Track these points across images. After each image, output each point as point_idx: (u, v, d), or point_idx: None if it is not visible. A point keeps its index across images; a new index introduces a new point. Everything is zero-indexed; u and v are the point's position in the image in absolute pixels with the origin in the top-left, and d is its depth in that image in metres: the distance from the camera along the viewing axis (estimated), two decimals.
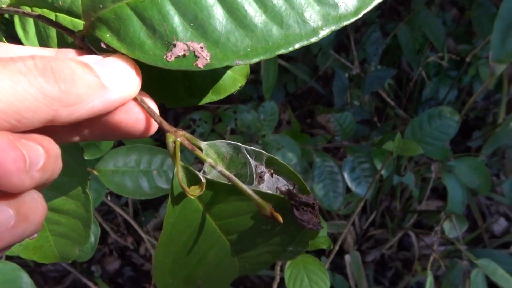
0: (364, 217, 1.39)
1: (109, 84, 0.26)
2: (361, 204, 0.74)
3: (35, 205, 0.25)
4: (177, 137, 0.28)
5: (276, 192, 0.29)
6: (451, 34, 1.44)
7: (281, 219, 0.27)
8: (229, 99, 1.52)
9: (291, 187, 0.28)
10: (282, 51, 0.26)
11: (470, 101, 1.21)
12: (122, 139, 0.30)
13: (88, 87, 0.25)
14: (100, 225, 1.44)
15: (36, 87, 0.23)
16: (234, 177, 0.28)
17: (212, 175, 0.29)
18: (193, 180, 0.29)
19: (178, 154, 0.28)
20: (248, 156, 0.29)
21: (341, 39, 1.42)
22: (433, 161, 1.06)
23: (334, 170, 0.91)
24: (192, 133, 0.81)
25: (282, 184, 0.29)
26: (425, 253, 1.31)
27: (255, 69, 1.51)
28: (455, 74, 1.42)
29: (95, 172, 0.64)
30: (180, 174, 0.28)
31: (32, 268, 1.50)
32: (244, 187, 0.28)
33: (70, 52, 0.29)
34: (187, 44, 0.26)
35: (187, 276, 0.34)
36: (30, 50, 0.29)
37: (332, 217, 1.28)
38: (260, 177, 0.29)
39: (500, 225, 1.43)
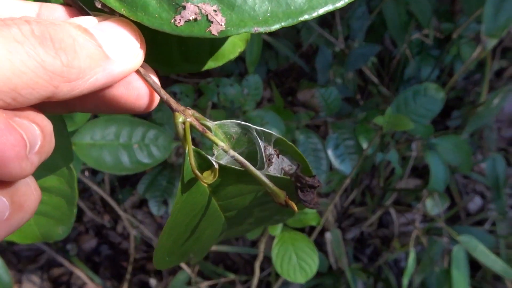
0: (344, 195, 1.40)
1: (111, 55, 0.23)
2: (347, 181, 0.73)
3: (30, 191, 0.22)
4: (186, 117, 0.26)
5: (281, 173, 0.28)
6: (434, 12, 1.43)
7: (296, 208, 0.26)
8: (209, 73, 1.48)
9: (295, 167, 0.28)
10: (305, 17, 0.23)
11: (452, 79, 1.21)
12: (118, 113, 0.27)
13: (91, 59, 0.22)
14: None
15: (36, 60, 0.20)
16: (248, 164, 0.26)
17: (222, 158, 0.28)
18: (204, 164, 0.27)
19: (189, 136, 0.26)
20: (257, 137, 0.28)
21: (325, 14, 1.39)
22: (414, 139, 1.06)
23: (318, 147, 0.90)
24: None
25: (287, 164, 0.28)
26: (403, 230, 1.33)
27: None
28: (437, 53, 1.42)
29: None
30: (193, 162, 0.26)
31: (5, 247, 1.46)
32: (258, 173, 0.26)
33: (57, 9, 0.25)
34: (198, 6, 0.23)
35: (183, 252, 0.33)
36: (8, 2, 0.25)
37: None
38: (269, 160, 0.28)
39: (475, 203, 1.46)
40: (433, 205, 0.87)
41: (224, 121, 0.28)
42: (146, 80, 0.25)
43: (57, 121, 0.37)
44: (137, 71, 0.25)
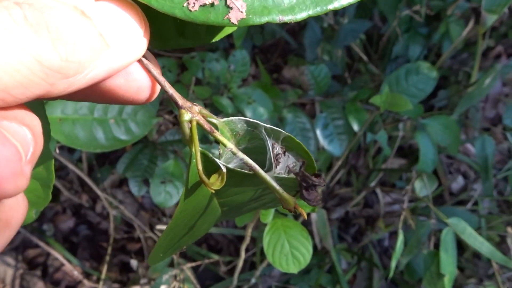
0: (330, 174, 1.38)
1: (112, 44, 0.19)
2: (338, 163, 0.71)
3: (17, 204, 0.19)
4: (193, 116, 0.24)
5: (286, 170, 0.27)
6: None
7: (305, 215, 0.25)
8: (192, 48, 1.41)
9: (299, 164, 0.27)
10: (335, 5, 0.20)
11: (442, 58, 1.19)
12: (113, 104, 0.24)
13: (91, 50, 0.18)
14: None
15: (32, 54, 0.16)
16: (257, 167, 0.25)
17: (230, 160, 0.26)
18: (209, 167, 0.25)
19: (196, 137, 0.24)
20: (266, 136, 0.26)
21: None
22: (402, 119, 1.04)
23: (306, 127, 0.86)
24: None
25: (292, 161, 0.27)
26: (387, 210, 1.33)
27: None
28: (426, 32, 1.39)
29: None
30: (201, 166, 0.24)
31: None
32: (269, 178, 0.25)
33: None
34: None
35: (178, 247, 0.32)
36: None
37: None
38: (277, 160, 0.27)
39: (458, 183, 1.47)
40: (422, 187, 0.86)
41: (232, 118, 0.26)
42: (149, 71, 0.23)
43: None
44: (139, 61, 0.22)
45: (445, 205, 1.25)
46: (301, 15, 0.20)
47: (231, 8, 0.20)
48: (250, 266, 1.23)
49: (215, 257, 1.09)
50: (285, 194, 0.25)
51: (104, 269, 1.26)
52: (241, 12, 0.20)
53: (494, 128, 1.57)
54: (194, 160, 0.24)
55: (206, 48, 1.30)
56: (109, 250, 1.28)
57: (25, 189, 0.18)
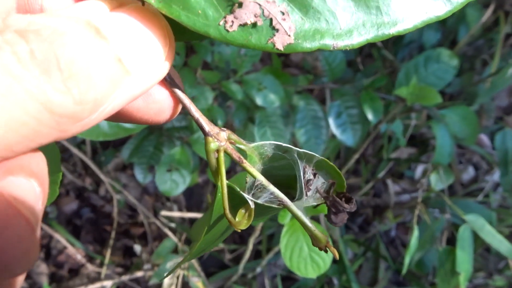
0: (337, 162, 1.35)
1: (132, 68, 0.16)
2: (356, 156, 0.67)
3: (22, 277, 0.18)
4: (221, 144, 0.21)
5: (315, 193, 0.25)
6: None
7: (337, 255, 0.23)
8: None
9: (329, 184, 0.25)
10: (399, 29, 0.17)
11: (459, 44, 1.14)
12: (128, 123, 0.21)
13: (110, 82, 0.15)
14: None
15: (40, 102, 0.13)
16: (289, 203, 0.23)
17: (260, 195, 0.24)
18: (236, 200, 0.23)
19: (223, 170, 0.21)
20: (298, 159, 0.24)
21: None
22: (416, 109, 1.00)
23: (318, 115, 0.83)
24: None
25: (321, 181, 0.25)
26: (396, 200, 1.30)
27: None
28: None
29: None
30: (227, 204, 0.22)
31: None
32: (299, 213, 0.23)
33: None
34: (260, 5, 0.16)
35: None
36: None
37: None
38: (308, 187, 0.25)
39: (468, 173, 1.43)
40: (437, 180, 0.83)
41: (263, 142, 0.24)
42: (172, 92, 0.20)
43: None
44: (162, 80, 0.19)
45: (456, 196, 1.22)
46: (358, 40, 0.17)
47: (277, 30, 0.17)
48: (256, 254, 1.22)
49: (220, 244, 1.07)
50: (317, 232, 0.23)
51: (108, 253, 1.25)
52: (289, 35, 0.17)
53: (507, 117, 1.53)
54: (219, 194, 0.21)
55: None
56: (113, 234, 1.26)
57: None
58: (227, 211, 0.21)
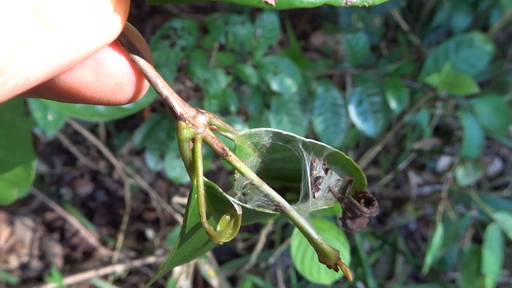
0: (357, 151, 1.30)
1: (54, 21, 0.12)
2: (377, 148, 0.63)
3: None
4: (196, 129, 0.17)
5: (327, 192, 0.20)
6: None
7: (350, 277, 0.19)
8: (214, 10, 1.32)
9: (344, 183, 0.20)
10: None
11: (492, 29, 1.06)
12: (80, 103, 0.16)
13: (19, 40, 0.11)
14: (67, 149, 1.31)
15: None
16: (288, 207, 0.18)
17: (251, 197, 0.19)
18: (218, 203, 0.18)
19: (199, 165, 0.17)
20: (303, 151, 0.19)
21: None
22: (442, 98, 0.94)
23: (338, 102, 0.78)
24: (172, 45, 0.65)
25: (335, 179, 0.20)
26: (416, 193, 1.25)
27: None
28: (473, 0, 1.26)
29: None
30: (203, 209, 0.17)
31: None
32: (303, 222, 0.18)
33: None
34: None
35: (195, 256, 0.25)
36: None
37: None
38: (316, 186, 0.20)
39: (495, 167, 1.37)
40: (464, 174, 0.78)
41: (256, 129, 0.19)
42: (131, 60, 0.15)
43: None
44: (116, 44, 0.15)
45: (482, 190, 1.16)
46: None
47: None
48: (269, 244, 1.19)
49: None
50: (325, 246, 0.18)
51: (120, 237, 1.24)
52: None
53: None
54: (195, 196, 0.17)
55: (232, 10, 1.21)
56: (125, 218, 1.25)
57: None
58: (204, 219, 0.17)
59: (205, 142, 0.17)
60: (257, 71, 0.72)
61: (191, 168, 0.17)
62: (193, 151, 0.17)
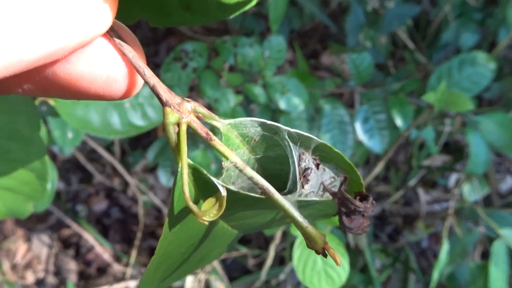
0: (366, 168, 1.31)
1: (49, 10, 0.12)
2: (382, 164, 0.65)
3: None
4: (182, 115, 0.18)
5: (320, 188, 0.20)
6: None
7: (339, 261, 0.18)
8: (226, 32, 1.37)
9: (339, 181, 0.21)
10: None
11: (498, 47, 1.08)
12: (84, 99, 0.18)
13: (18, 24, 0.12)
14: (83, 166, 1.35)
15: None
16: (273, 190, 0.19)
17: (235, 178, 0.20)
18: (205, 187, 0.19)
19: (184, 147, 0.18)
20: (290, 142, 0.20)
21: None
22: (450, 115, 0.96)
23: (344, 119, 0.80)
24: (184, 67, 0.68)
25: (328, 176, 0.21)
26: (428, 210, 1.25)
27: (259, 0, 1.35)
28: (480, 17, 1.27)
29: (51, 102, 0.50)
30: (187, 187, 0.18)
31: None
32: (287, 205, 0.19)
33: None
34: None
35: (183, 272, 0.26)
36: None
37: None
38: (305, 176, 0.20)
39: (507, 183, 1.36)
40: (471, 190, 0.78)
41: (241, 119, 0.20)
42: (123, 53, 0.17)
43: None
44: (108, 37, 0.16)
45: (493, 207, 1.16)
46: None
47: None
48: (280, 261, 1.20)
49: (244, 250, 1.06)
50: (311, 230, 0.19)
51: (134, 253, 1.26)
52: None
53: None
54: (180, 181, 0.18)
55: (242, 32, 1.25)
56: (139, 235, 1.27)
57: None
58: (187, 195, 0.18)
59: (190, 128, 0.18)
60: (265, 91, 0.75)
61: (176, 150, 0.18)
62: (178, 134, 0.18)
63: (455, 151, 1.32)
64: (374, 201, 0.20)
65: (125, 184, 1.48)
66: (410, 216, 1.24)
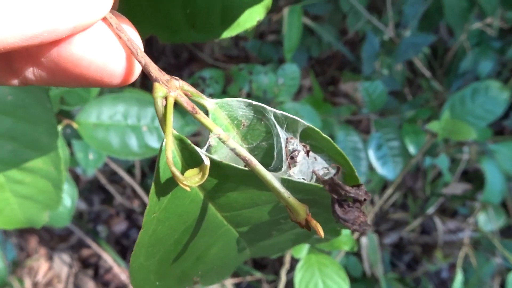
0: (384, 195, 1.30)
1: None
2: (390, 190, 0.65)
3: None
4: (169, 90, 0.19)
5: (312, 178, 0.20)
6: None
7: (322, 233, 0.18)
8: (247, 59, 1.41)
9: (332, 172, 0.20)
10: None
11: None
12: (86, 86, 0.19)
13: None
14: (104, 188, 1.39)
15: None
16: (253, 160, 0.19)
17: (222, 152, 0.20)
18: (190, 159, 0.20)
19: (170, 118, 0.19)
20: (276, 124, 0.20)
21: None
22: (467, 143, 0.95)
23: (358, 146, 0.81)
24: (201, 93, 0.71)
25: (321, 166, 0.20)
26: (447, 239, 1.22)
27: (276, 28, 1.39)
28: (499, 46, 1.27)
29: (75, 125, 0.54)
30: (170, 152, 0.19)
31: None
32: (268, 175, 0.19)
33: None
34: None
35: (181, 274, 0.27)
36: None
37: None
38: (292, 158, 0.20)
39: None
40: (487, 220, 0.77)
41: (228, 99, 0.20)
42: (119, 36, 0.18)
43: (39, 92, 0.31)
44: (106, 22, 0.18)
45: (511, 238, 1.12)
46: None
47: None
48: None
49: (258, 274, 1.06)
50: (293, 201, 0.19)
51: None
52: None
53: None
54: (165, 148, 0.18)
55: (260, 60, 1.29)
56: None
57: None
58: (170, 159, 0.18)
59: (176, 102, 0.19)
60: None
61: (163, 121, 0.19)
62: (165, 107, 0.19)
63: (475, 179, 1.29)
64: (367, 192, 0.19)
65: (144, 206, 1.51)
66: (428, 245, 1.21)
